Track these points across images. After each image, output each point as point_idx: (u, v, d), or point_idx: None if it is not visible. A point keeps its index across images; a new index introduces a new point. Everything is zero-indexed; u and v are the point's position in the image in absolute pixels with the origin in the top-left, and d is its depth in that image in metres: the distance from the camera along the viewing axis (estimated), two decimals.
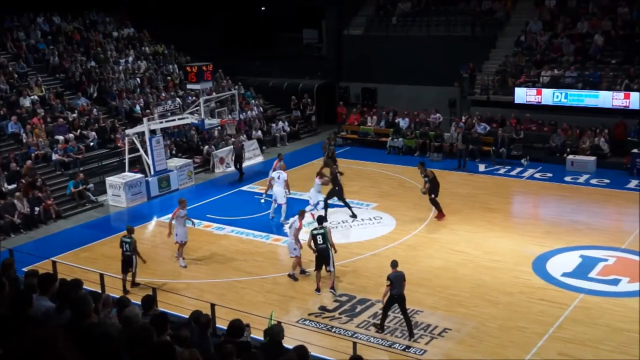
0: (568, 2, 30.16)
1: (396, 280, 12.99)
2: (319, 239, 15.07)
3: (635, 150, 23.86)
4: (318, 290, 15.28)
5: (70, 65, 29.13)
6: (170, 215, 17.81)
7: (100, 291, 13.42)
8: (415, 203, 21.03)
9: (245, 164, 26.76)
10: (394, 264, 13.26)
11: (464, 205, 20.91)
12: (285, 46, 38.92)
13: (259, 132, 29.84)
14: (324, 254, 15.09)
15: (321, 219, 15.66)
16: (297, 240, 15.91)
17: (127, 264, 15.76)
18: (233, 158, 26.24)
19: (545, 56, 28.51)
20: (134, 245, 15.69)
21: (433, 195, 19.68)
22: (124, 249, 15.72)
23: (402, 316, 13.39)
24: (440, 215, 19.73)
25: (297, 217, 16.34)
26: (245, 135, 28.77)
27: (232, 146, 26.84)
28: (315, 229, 15.33)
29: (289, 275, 16.24)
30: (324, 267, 15.22)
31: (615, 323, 13.47)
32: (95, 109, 27.14)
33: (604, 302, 14.46)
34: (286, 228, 17.75)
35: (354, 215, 20.05)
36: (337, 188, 19.89)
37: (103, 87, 28.67)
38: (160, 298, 12.97)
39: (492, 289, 15.18)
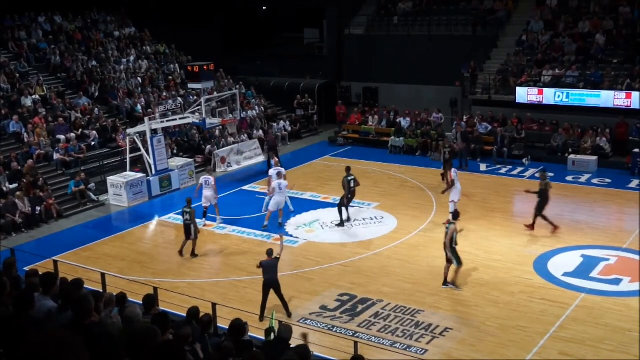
0: (569, 2, 30.15)
1: (267, 267, 13.82)
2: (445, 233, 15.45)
3: (636, 150, 23.83)
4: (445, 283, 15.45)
5: (72, 65, 29.14)
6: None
7: (101, 290, 13.42)
8: (417, 202, 21.07)
9: (247, 163, 26.87)
10: (269, 252, 14.01)
11: (465, 204, 20.81)
12: (286, 46, 38.95)
13: (260, 132, 29.85)
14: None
15: (455, 215, 15.69)
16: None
17: (187, 232, 17.54)
18: (266, 150, 26.94)
19: (547, 56, 28.50)
20: (193, 215, 17.39)
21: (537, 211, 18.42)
22: (185, 218, 17.45)
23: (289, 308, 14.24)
24: (531, 227, 18.51)
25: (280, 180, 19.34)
26: (247, 135, 28.82)
27: (266, 138, 27.95)
28: (449, 222, 15.58)
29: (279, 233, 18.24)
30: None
31: (616, 323, 13.48)
32: (96, 109, 27.16)
33: (605, 301, 14.45)
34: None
35: (341, 224, 19.55)
36: (349, 196, 19.52)
37: (104, 87, 28.69)
38: (161, 297, 12.99)
39: (493, 289, 15.19)
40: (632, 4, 28.31)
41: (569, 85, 26.58)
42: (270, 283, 13.92)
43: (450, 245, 15.15)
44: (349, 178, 19.46)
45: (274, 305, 14.25)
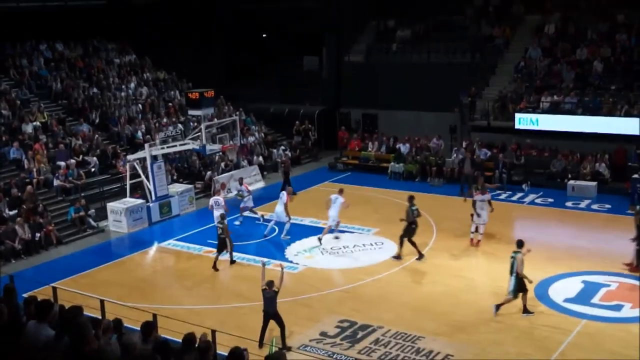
0: (567, 29, 30.43)
1: (267, 299, 13.70)
2: (511, 262, 15.05)
3: (635, 176, 23.85)
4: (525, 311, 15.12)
5: (73, 92, 29.31)
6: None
7: (100, 317, 13.34)
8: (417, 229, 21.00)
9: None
10: (269, 283, 13.72)
11: (466, 230, 20.81)
12: (286, 72, 39.15)
13: (260, 158, 29.91)
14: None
15: (520, 243, 15.35)
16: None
17: (222, 245, 18.65)
18: (283, 176, 26.72)
19: (545, 82, 28.68)
20: (226, 229, 18.57)
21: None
22: (219, 232, 18.65)
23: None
24: None
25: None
26: (246, 161, 28.87)
27: (281, 164, 28.71)
28: (514, 251, 15.23)
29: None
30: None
31: (618, 349, 13.38)
32: (97, 135, 27.25)
33: (607, 328, 14.38)
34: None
35: (398, 257, 18.92)
36: (413, 226, 18.89)
37: (105, 114, 28.82)
38: (160, 324, 12.90)
39: (495, 315, 15.08)
40: (629, 32, 28.60)
41: (568, 112, 26.71)
42: (270, 315, 13.77)
43: (516, 273, 14.83)
44: (413, 208, 18.87)
45: (276, 332, 14.15)
